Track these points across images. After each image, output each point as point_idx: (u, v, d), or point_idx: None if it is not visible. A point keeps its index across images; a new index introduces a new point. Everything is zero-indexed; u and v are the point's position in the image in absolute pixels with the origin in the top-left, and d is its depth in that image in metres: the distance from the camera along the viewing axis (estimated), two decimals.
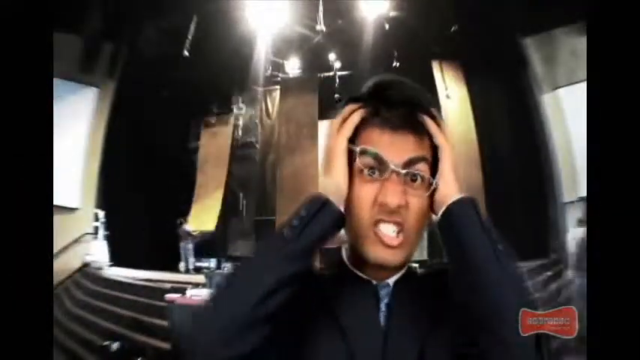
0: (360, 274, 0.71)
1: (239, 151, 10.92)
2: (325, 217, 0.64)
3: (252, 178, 11.02)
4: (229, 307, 0.60)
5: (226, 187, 10.40)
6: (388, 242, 0.66)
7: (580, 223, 5.84)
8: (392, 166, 0.65)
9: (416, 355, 0.66)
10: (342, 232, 0.69)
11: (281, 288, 0.60)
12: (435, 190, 0.67)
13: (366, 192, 0.67)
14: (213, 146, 10.60)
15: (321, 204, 0.65)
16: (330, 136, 0.69)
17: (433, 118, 0.69)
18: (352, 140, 0.68)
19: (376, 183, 0.66)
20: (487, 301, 0.61)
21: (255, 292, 0.59)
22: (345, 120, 0.68)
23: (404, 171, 0.66)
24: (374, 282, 0.70)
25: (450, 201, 0.65)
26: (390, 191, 0.65)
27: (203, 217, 10.16)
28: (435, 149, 0.68)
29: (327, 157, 0.68)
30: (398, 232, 0.66)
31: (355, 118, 0.68)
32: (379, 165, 0.66)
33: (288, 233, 0.63)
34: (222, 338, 0.58)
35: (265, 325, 0.59)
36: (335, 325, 0.67)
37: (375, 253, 0.66)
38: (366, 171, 0.66)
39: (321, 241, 0.65)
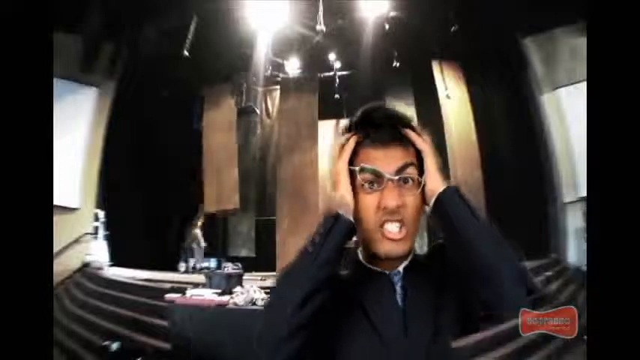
0: (375, 267, 0.87)
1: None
2: (339, 228, 0.79)
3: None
4: (274, 320, 0.77)
5: (239, 155, 10.00)
6: (393, 237, 0.81)
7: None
8: (387, 176, 0.81)
9: (432, 324, 0.82)
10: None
11: (312, 297, 0.75)
12: (424, 186, 0.83)
13: (369, 201, 0.82)
14: (218, 115, 10.26)
15: (334, 219, 0.79)
16: (333, 160, 0.85)
17: (412, 129, 0.87)
18: (351, 162, 0.84)
19: (376, 193, 0.82)
20: (481, 259, 0.77)
21: (291, 304, 0.74)
22: (343, 147, 0.85)
23: (397, 177, 0.82)
24: (387, 272, 0.86)
25: (438, 191, 0.81)
26: (389, 196, 0.80)
27: (222, 194, 9.77)
28: (419, 153, 0.85)
29: (333, 179, 0.84)
30: (400, 228, 0.82)
31: (351, 144, 0.85)
32: (376, 178, 0.82)
33: (312, 249, 0.78)
34: (274, 344, 0.75)
35: (305, 328, 0.75)
36: (363, 313, 0.83)
37: (385, 248, 0.82)
38: (366, 185, 0.82)
39: (340, 251, 0.80)
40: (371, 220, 0.82)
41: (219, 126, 10.14)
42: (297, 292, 0.74)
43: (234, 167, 9.87)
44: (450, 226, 0.80)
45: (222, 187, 9.86)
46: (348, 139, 0.85)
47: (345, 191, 0.81)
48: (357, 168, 0.82)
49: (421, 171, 0.84)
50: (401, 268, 0.86)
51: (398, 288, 0.85)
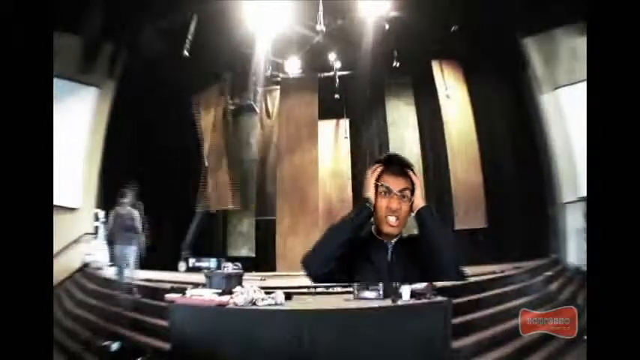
0: (380, 237, 1.56)
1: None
2: (366, 211, 1.50)
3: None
4: (324, 248, 1.47)
5: (229, 153, 10.10)
6: (392, 224, 1.51)
7: None
8: (394, 192, 1.50)
9: (403, 274, 1.58)
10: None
11: (347, 243, 1.46)
12: (412, 202, 1.50)
13: (383, 203, 1.51)
14: (209, 116, 10.33)
15: (364, 206, 1.50)
16: (367, 178, 1.53)
17: (412, 170, 1.54)
18: (377, 179, 1.52)
19: (386, 199, 1.51)
20: (438, 253, 1.44)
21: (336, 243, 1.46)
22: (374, 171, 1.53)
23: (399, 193, 1.50)
24: (385, 241, 1.55)
25: (419, 207, 1.49)
26: (393, 202, 1.50)
27: (219, 193, 9.92)
28: (413, 184, 1.51)
29: (365, 188, 1.53)
30: (396, 220, 1.51)
31: (378, 170, 1.53)
32: (388, 191, 1.51)
33: (348, 218, 1.49)
34: (321, 261, 1.46)
35: (339, 258, 1.45)
36: (369, 261, 1.54)
37: (386, 229, 1.52)
38: (382, 193, 1.51)
39: (365, 223, 1.51)
40: (381, 212, 1.51)
41: (209, 126, 10.19)
42: (338, 238, 1.46)
43: (225, 167, 9.94)
44: (422, 230, 1.47)
45: (214, 187, 9.93)
46: (377, 168, 1.54)
47: (371, 195, 1.50)
48: (380, 184, 1.51)
49: (412, 193, 1.51)
50: (393, 241, 1.55)
51: (389, 252, 1.55)
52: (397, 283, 4.41)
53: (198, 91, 10.38)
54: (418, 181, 1.52)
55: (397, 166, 1.53)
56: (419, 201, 1.49)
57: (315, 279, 1.49)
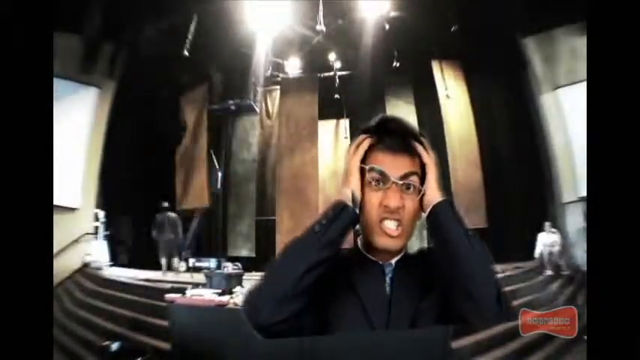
0: (370, 256, 0.96)
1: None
2: (345, 216, 0.89)
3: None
4: (276, 283, 0.85)
5: (209, 153, 10.07)
6: (390, 233, 0.91)
7: None
8: (392, 179, 0.91)
9: (412, 315, 0.92)
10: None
11: (313, 269, 0.84)
12: (423, 195, 0.92)
13: (373, 198, 0.92)
14: (191, 117, 10.37)
15: (342, 207, 0.89)
16: (347, 157, 0.95)
17: (421, 143, 0.95)
18: (363, 161, 0.93)
19: (380, 191, 0.91)
20: (464, 273, 0.85)
21: (295, 272, 0.83)
22: (357, 146, 0.94)
23: (401, 182, 0.91)
24: (380, 262, 0.96)
25: (434, 202, 0.90)
26: (391, 197, 0.90)
27: (192, 192, 9.93)
28: (423, 166, 0.93)
29: (345, 174, 0.93)
30: (398, 226, 0.91)
31: (365, 145, 0.94)
32: (383, 178, 0.91)
33: (318, 228, 0.87)
34: (273, 304, 0.83)
35: (303, 295, 0.84)
36: (354, 295, 0.93)
37: (381, 241, 0.92)
38: (373, 183, 0.92)
39: (343, 235, 0.89)
40: (373, 214, 0.91)
41: (192, 127, 10.22)
42: (299, 264, 0.84)
43: (205, 167, 9.95)
44: (439, 236, 0.89)
45: (192, 186, 9.94)
46: (363, 140, 0.94)
47: (354, 186, 0.91)
48: (367, 166, 0.92)
49: (423, 181, 0.93)
50: (393, 261, 0.96)
51: (387, 278, 0.95)
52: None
53: (186, 91, 10.41)
54: (431, 159, 0.93)
55: (397, 136, 0.94)
56: (433, 193, 0.91)
57: (265, 331, 0.87)
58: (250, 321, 0.87)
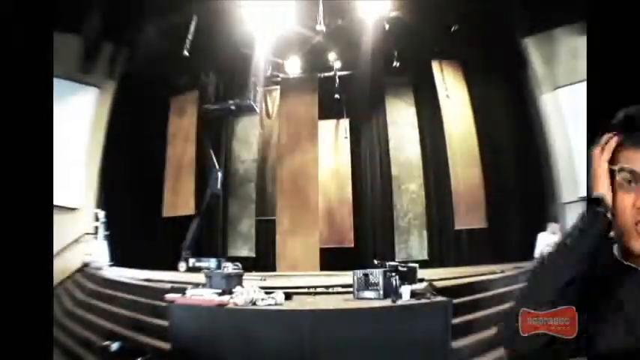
0: (629, 263, 0.87)
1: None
2: (597, 225, 0.84)
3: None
4: (541, 290, 0.84)
5: (198, 161, 10.06)
6: None
7: None
8: None
9: None
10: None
11: (573, 282, 0.81)
12: None
13: (626, 200, 0.85)
14: (180, 122, 10.31)
15: (594, 213, 0.84)
16: (594, 161, 0.89)
17: None
18: (611, 162, 0.87)
19: (633, 192, 0.85)
20: None
21: (548, 295, 0.82)
22: (603, 147, 0.88)
23: None
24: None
25: None
26: None
27: (178, 200, 9.94)
28: None
29: (594, 178, 0.88)
30: None
31: (612, 144, 0.87)
32: (634, 177, 0.85)
33: (570, 242, 0.84)
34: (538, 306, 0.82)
35: (569, 301, 0.81)
36: (617, 306, 0.84)
37: (639, 245, 0.85)
38: (625, 184, 0.86)
39: (597, 244, 0.84)
40: (627, 217, 0.85)
41: (181, 132, 10.19)
42: (555, 283, 0.82)
43: (192, 174, 9.95)
44: None
45: (179, 193, 9.94)
46: (608, 140, 0.88)
47: (605, 189, 0.85)
48: (616, 167, 0.86)
49: None
50: None
51: None
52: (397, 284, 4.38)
53: (176, 94, 10.40)
54: None
55: None
56: None
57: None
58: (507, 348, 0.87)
